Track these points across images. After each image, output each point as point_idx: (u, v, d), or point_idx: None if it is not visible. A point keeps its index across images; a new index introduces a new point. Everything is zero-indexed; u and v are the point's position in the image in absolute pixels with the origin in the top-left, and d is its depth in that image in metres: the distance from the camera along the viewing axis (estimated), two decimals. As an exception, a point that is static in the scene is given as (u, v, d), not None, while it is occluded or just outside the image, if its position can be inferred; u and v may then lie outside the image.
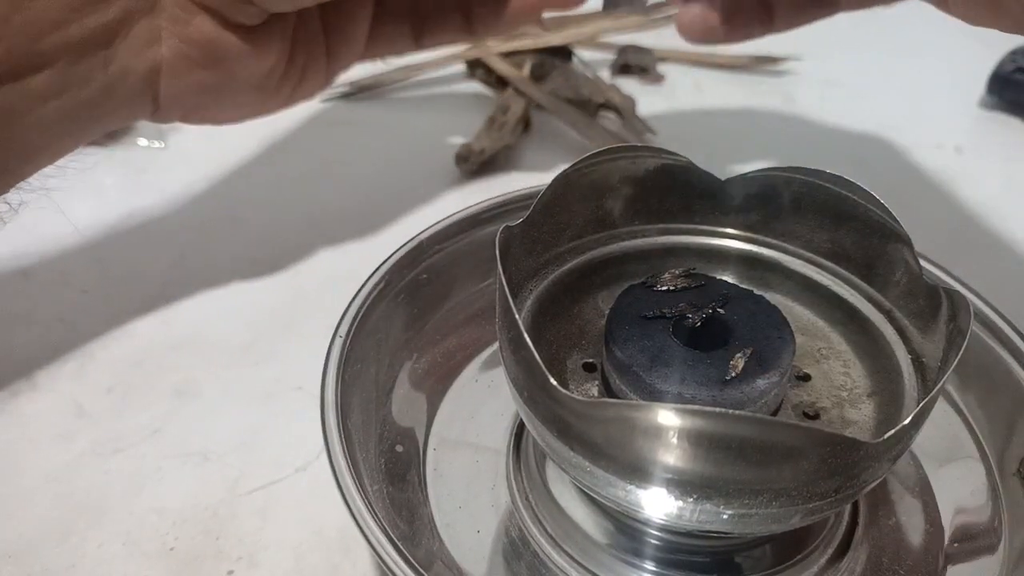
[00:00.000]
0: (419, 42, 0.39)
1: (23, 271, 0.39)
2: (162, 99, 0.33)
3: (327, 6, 0.35)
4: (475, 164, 0.46)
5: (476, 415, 0.30)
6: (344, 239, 0.42)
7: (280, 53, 0.35)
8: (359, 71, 0.54)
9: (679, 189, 0.30)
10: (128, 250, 0.41)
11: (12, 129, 0.29)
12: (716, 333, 0.25)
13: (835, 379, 0.27)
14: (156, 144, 0.48)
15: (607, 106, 0.53)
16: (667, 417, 0.20)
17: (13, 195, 0.31)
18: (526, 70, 0.53)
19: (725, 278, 0.29)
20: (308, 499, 0.30)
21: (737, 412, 0.21)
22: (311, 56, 0.37)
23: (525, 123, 0.50)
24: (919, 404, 0.22)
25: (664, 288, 0.27)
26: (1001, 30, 0.31)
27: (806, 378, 0.27)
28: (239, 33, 0.33)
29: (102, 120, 0.32)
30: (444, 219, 0.32)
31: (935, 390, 0.22)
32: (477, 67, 0.55)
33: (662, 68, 0.59)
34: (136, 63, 0.31)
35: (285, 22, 0.35)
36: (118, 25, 0.30)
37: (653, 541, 0.25)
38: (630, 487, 0.22)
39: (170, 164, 0.47)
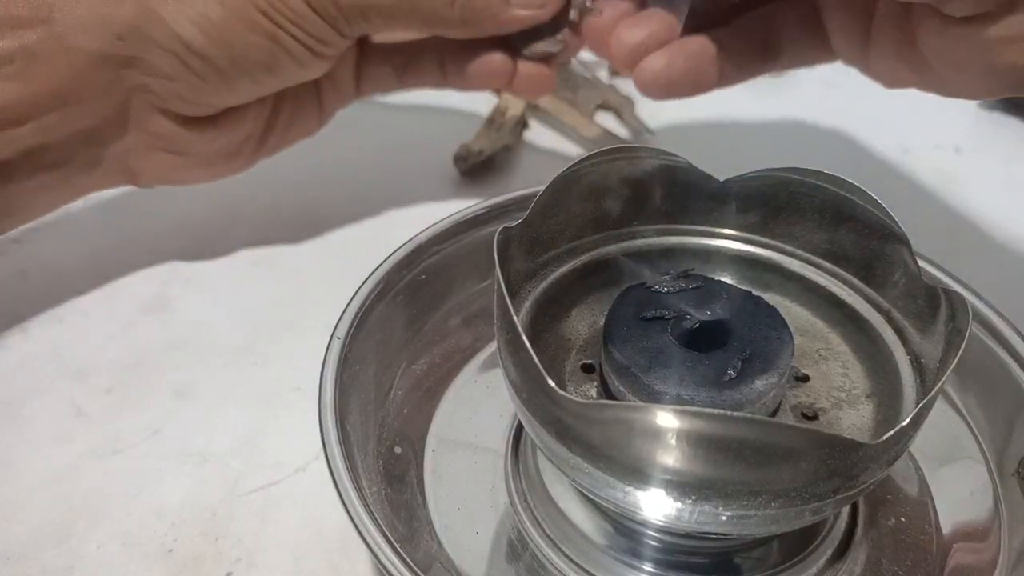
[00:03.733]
0: (402, 81, 0.40)
1: (21, 272, 0.39)
2: (137, 176, 0.37)
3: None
4: (473, 164, 0.46)
5: (475, 416, 0.30)
6: (342, 239, 0.42)
7: (255, 119, 0.37)
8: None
9: (677, 190, 0.30)
10: (126, 250, 0.41)
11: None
12: (714, 334, 0.25)
13: (834, 380, 0.27)
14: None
15: (605, 106, 0.53)
16: (665, 418, 0.20)
17: None
18: None
19: (724, 279, 0.29)
20: (307, 500, 0.30)
21: (735, 413, 0.22)
22: (299, 105, 0.38)
23: (523, 124, 0.50)
24: (918, 405, 0.22)
25: (663, 289, 0.27)
26: (925, 91, 0.32)
27: (805, 379, 0.27)
28: (198, 124, 0.35)
29: (82, 191, 0.36)
30: (442, 220, 0.32)
31: (934, 391, 0.22)
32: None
33: (661, 68, 0.59)
34: (111, 153, 0.35)
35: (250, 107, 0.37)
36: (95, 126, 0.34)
37: (652, 542, 0.25)
38: (628, 488, 0.22)
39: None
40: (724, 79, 0.36)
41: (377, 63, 0.39)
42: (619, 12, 0.35)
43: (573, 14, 0.36)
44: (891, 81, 0.33)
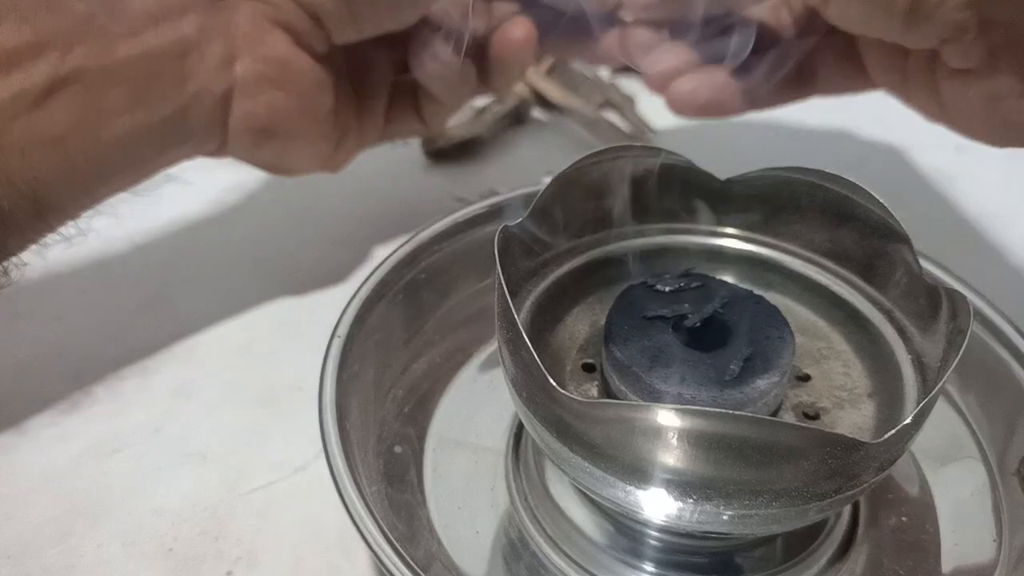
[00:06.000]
0: (425, 126, 0.39)
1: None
2: (231, 129, 0.33)
3: (360, 91, 0.36)
4: (439, 148, 0.46)
5: (475, 416, 0.30)
6: (343, 237, 0.42)
7: (335, 103, 0.35)
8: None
9: (679, 189, 0.30)
10: (126, 249, 0.41)
11: (88, 145, 0.29)
12: (716, 333, 0.25)
13: (835, 379, 0.27)
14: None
15: (607, 105, 0.52)
16: (667, 418, 0.20)
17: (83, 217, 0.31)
18: (544, 64, 0.53)
19: (725, 278, 0.29)
20: (307, 500, 0.30)
21: (737, 413, 0.21)
22: (345, 133, 0.37)
23: (517, 118, 0.50)
24: (919, 404, 0.22)
25: (664, 288, 0.27)
26: (998, 145, 0.32)
27: (806, 378, 0.27)
28: (309, 54, 0.33)
29: (173, 146, 0.32)
30: (442, 220, 0.32)
31: (935, 390, 0.22)
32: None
33: (662, 67, 0.59)
34: (211, 83, 0.31)
35: (338, 75, 0.35)
36: (193, 41, 0.31)
37: (652, 542, 0.25)
38: (629, 488, 0.22)
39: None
40: (755, 104, 0.36)
41: (403, 105, 0.38)
42: (655, 38, 0.36)
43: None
44: (929, 116, 0.34)
